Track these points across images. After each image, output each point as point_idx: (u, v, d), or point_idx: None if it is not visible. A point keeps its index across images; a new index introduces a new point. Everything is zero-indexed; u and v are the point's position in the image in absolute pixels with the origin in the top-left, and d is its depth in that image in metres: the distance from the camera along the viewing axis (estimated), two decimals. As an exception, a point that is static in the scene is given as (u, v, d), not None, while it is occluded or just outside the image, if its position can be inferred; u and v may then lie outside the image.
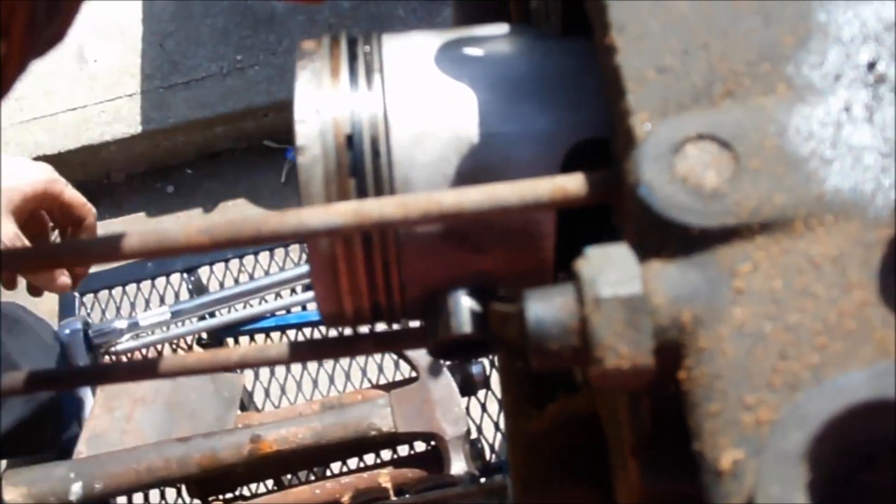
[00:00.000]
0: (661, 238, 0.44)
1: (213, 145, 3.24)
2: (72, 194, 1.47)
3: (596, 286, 0.42)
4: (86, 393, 1.83)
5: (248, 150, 3.02)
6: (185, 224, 0.52)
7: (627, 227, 0.47)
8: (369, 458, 1.78)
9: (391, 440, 1.67)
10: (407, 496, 1.68)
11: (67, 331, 1.80)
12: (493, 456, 1.81)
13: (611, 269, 0.43)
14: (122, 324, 1.79)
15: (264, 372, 1.97)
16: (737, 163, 0.44)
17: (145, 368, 0.70)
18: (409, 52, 0.62)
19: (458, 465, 1.64)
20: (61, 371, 0.76)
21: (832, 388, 0.38)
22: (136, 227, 2.90)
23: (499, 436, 1.83)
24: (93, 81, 3.36)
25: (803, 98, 0.45)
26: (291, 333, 1.96)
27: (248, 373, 1.92)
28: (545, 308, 0.44)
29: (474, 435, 1.77)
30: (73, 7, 0.44)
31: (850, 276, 0.42)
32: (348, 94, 0.60)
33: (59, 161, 2.97)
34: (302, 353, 0.69)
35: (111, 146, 3.21)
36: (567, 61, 0.62)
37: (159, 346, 1.83)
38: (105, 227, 2.71)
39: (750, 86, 0.46)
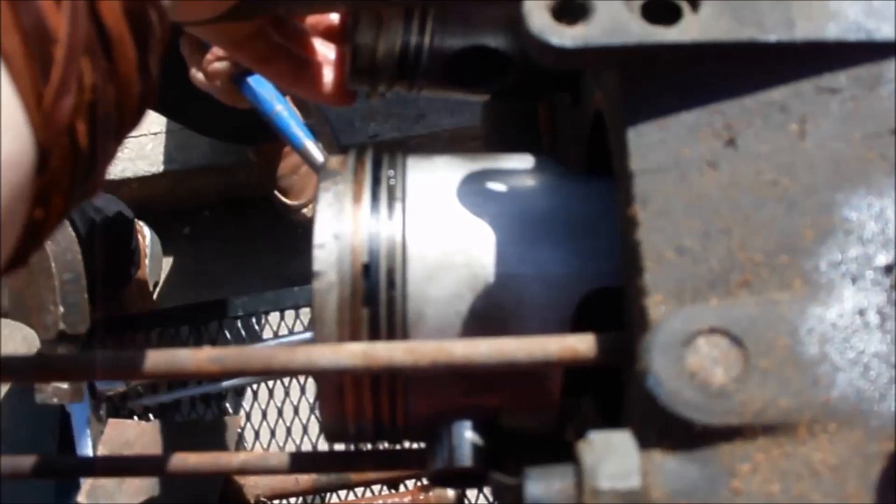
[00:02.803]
0: (664, 427, 0.44)
1: (234, 191, 3.23)
2: None
3: (596, 477, 0.43)
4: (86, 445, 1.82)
5: (270, 199, 3.02)
6: (197, 351, 0.52)
7: (631, 404, 0.47)
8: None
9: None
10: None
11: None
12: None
13: (611, 458, 0.43)
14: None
15: (262, 422, 1.96)
16: (746, 361, 0.44)
17: (147, 465, 0.71)
18: (433, 182, 0.63)
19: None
20: (66, 459, 0.77)
21: None
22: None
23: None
24: (120, 117, 3.36)
25: (818, 297, 0.46)
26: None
27: (242, 415, 1.91)
28: (544, 490, 0.44)
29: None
30: (105, 167, 0.45)
31: (848, 487, 0.42)
32: (368, 221, 0.60)
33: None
34: (302, 464, 0.69)
35: (132, 183, 3.20)
36: (588, 206, 0.62)
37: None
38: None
39: (767, 278, 0.46)
